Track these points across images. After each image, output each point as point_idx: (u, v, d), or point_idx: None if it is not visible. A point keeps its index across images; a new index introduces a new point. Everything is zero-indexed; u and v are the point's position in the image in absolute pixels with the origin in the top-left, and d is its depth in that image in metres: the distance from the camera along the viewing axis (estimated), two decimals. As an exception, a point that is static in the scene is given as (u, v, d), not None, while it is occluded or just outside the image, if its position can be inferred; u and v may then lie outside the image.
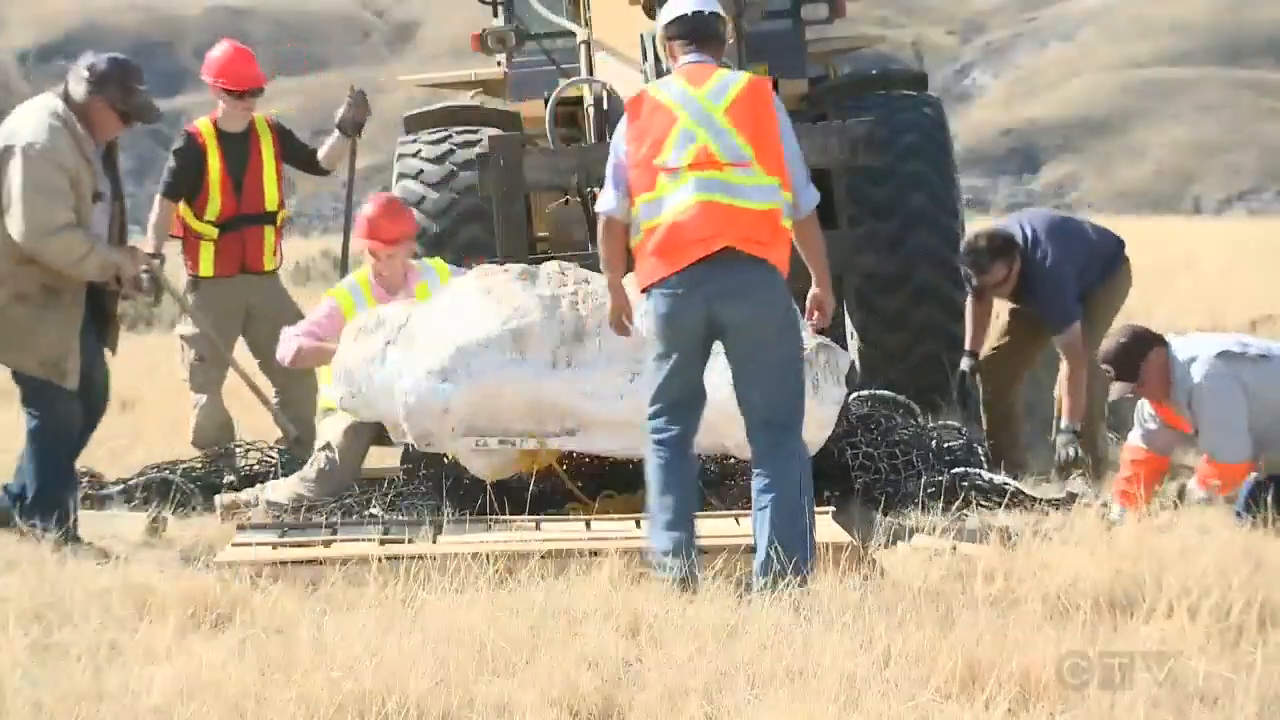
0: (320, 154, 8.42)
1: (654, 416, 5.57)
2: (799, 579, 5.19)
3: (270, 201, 8.35)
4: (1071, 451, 7.32)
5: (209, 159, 8.20)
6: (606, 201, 5.68)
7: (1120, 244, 7.89)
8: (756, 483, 5.46)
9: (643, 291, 5.62)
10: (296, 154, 8.44)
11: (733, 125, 5.50)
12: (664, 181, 5.51)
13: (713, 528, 6.16)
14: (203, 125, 8.31)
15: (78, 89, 6.51)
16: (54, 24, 60.63)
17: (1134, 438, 6.65)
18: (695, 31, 5.71)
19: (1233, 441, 6.21)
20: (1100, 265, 7.75)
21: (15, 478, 6.63)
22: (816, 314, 5.75)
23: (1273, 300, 13.25)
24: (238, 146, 8.24)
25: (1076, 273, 7.59)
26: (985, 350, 7.86)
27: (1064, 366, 7.50)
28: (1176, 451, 6.78)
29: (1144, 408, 6.61)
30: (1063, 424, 7.44)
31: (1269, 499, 6.28)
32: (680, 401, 5.56)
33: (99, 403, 6.83)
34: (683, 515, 5.45)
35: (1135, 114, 55.48)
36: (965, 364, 7.76)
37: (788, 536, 5.30)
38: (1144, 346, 6.41)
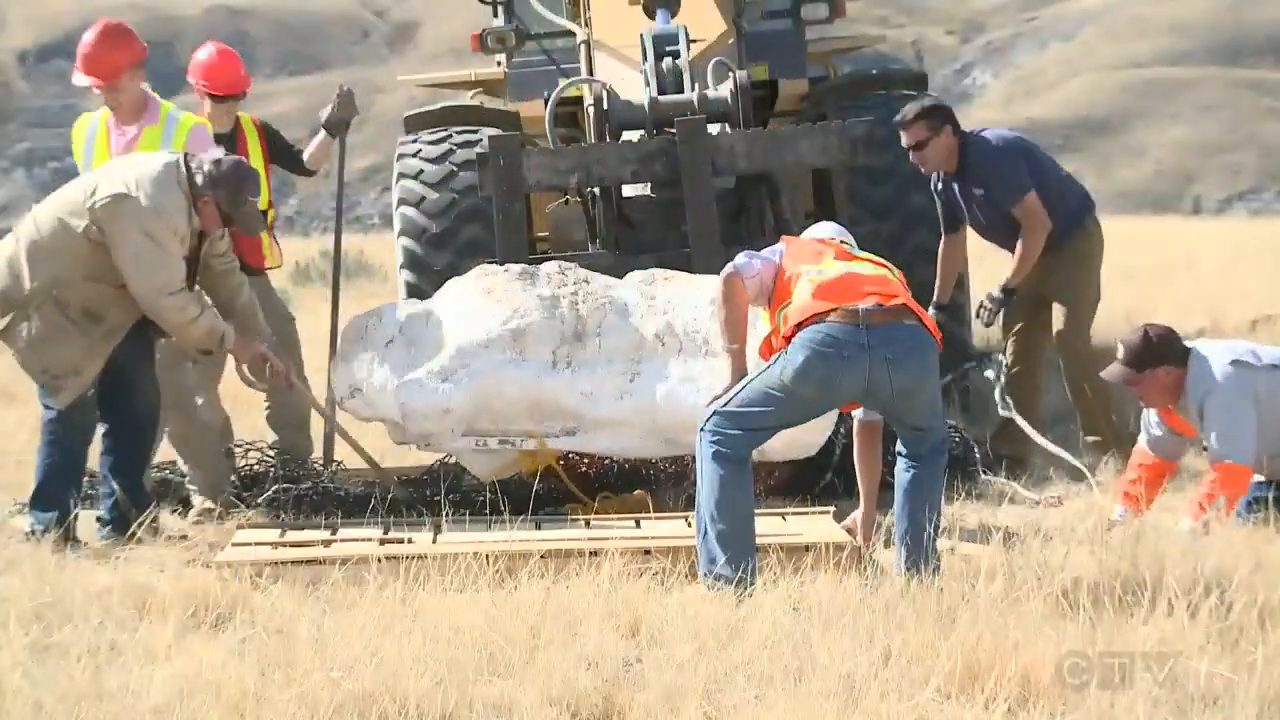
0: (305, 154, 8.39)
1: (727, 427, 5.41)
2: (935, 565, 5.36)
3: (260, 201, 8.31)
4: (998, 303, 7.64)
5: None
6: (739, 258, 5.62)
7: (1087, 198, 7.90)
8: (907, 473, 5.48)
9: (799, 326, 5.39)
10: (282, 154, 8.39)
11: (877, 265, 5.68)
12: (833, 258, 5.57)
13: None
14: None
15: (197, 176, 6.60)
16: (54, 24, 60.58)
17: (1141, 442, 6.66)
18: None
19: (1242, 445, 6.21)
20: (1062, 203, 7.66)
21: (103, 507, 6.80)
22: None
23: (1273, 300, 13.24)
24: (223, 148, 8.21)
25: (1029, 168, 7.63)
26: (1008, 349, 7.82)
27: (1024, 235, 7.58)
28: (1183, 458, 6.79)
29: (1150, 414, 6.60)
30: (1003, 282, 7.63)
31: (1269, 499, 6.30)
32: (766, 432, 5.52)
33: (145, 415, 6.86)
34: (743, 530, 5.37)
35: (1135, 114, 55.47)
36: (931, 313, 7.53)
37: (935, 519, 5.44)
38: (1163, 356, 6.39)
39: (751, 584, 5.25)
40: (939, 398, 5.59)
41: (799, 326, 5.37)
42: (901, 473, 5.51)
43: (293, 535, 6.29)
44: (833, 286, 5.42)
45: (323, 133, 8.17)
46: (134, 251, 6.46)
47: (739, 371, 5.56)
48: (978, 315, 7.83)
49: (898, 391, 5.38)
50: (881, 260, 5.73)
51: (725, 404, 5.45)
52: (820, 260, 5.58)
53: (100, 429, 6.79)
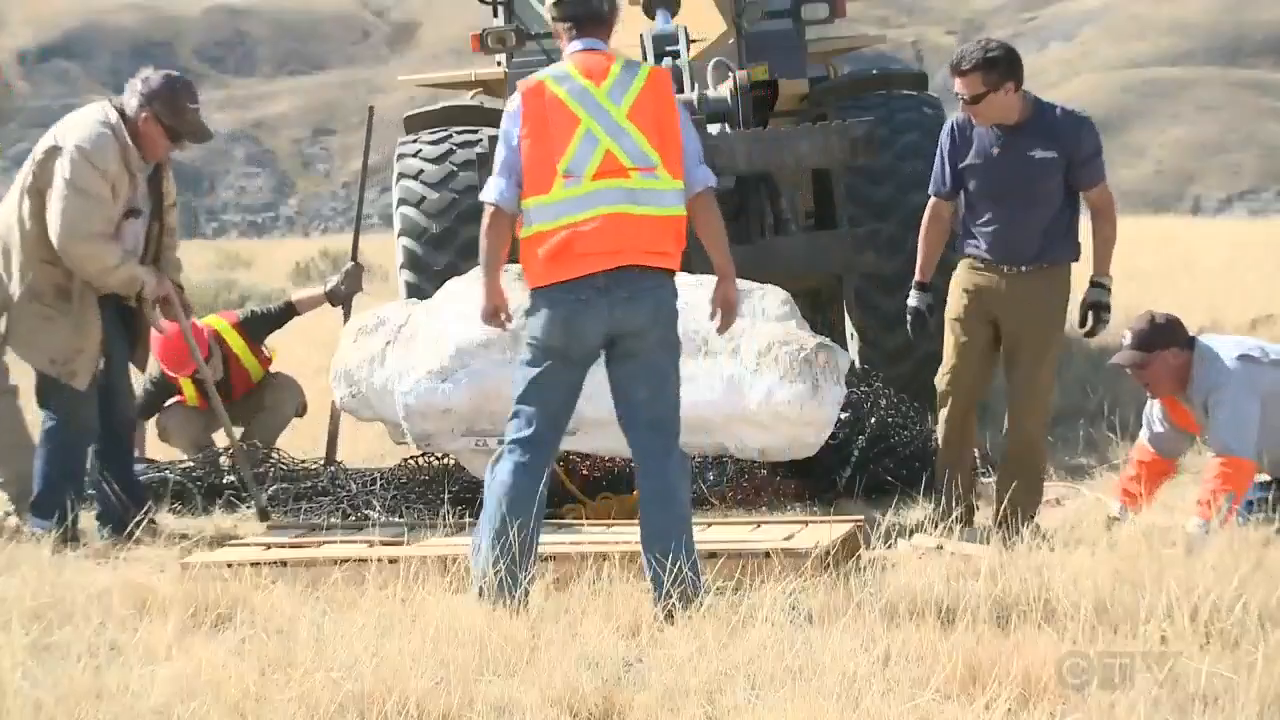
0: (295, 296, 8.44)
1: (519, 428, 5.30)
2: (693, 583, 5.12)
3: (255, 377, 8.30)
4: (1103, 307, 6.42)
5: (183, 388, 8.20)
6: (494, 192, 5.35)
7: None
8: (647, 485, 5.30)
9: (532, 291, 5.32)
10: (258, 331, 8.32)
11: (636, 128, 5.29)
12: (563, 186, 5.24)
13: (722, 534, 6.18)
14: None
15: (130, 102, 6.59)
16: (54, 24, 60.58)
17: (1142, 439, 6.65)
18: (581, 15, 5.40)
19: (1245, 439, 6.21)
20: (1077, 220, 6.61)
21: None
22: (721, 315, 5.46)
23: (1273, 300, 13.24)
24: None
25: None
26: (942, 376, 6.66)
27: (1098, 221, 6.58)
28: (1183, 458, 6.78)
29: (1153, 409, 6.60)
30: (1095, 278, 6.47)
31: (1270, 499, 6.30)
32: (557, 412, 5.35)
33: (125, 415, 6.86)
34: (527, 536, 5.19)
35: (1135, 114, 55.45)
36: (916, 299, 6.67)
37: (684, 536, 5.24)
38: (1170, 339, 6.38)
39: (526, 595, 5.12)
40: (678, 380, 5.39)
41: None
42: (641, 484, 5.33)
43: (291, 536, 6.30)
44: (563, 252, 5.22)
45: (322, 293, 8.15)
46: (56, 199, 6.45)
47: (495, 303, 5.41)
48: (1091, 330, 6.51)
49: (640, 327, 5.24)
50: (621, 163, 5.26)
51: (512, 412, 5.34)
52: (550, 180, 5.25)
53: None
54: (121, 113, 6.60)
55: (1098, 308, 6.43)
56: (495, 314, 5.44)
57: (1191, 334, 6.47)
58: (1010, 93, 6.37)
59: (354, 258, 8.17)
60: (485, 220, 5.41)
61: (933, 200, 6.69)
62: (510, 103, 5.38)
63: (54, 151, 6.51)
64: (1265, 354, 6.39)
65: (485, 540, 5.21)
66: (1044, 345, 6.47)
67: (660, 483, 5.28)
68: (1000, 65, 6.34)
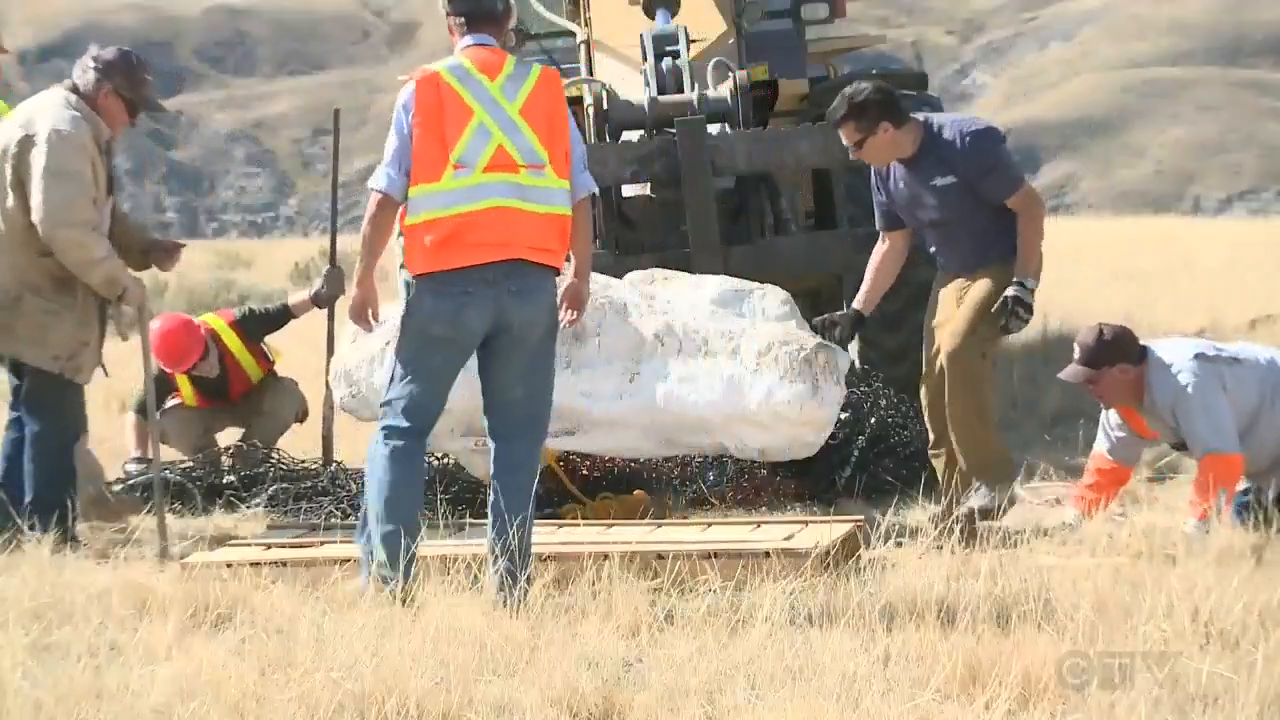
0: (292, 300, 8.45)
1: (395, 415, 5.35)
2: (525, 587, 5.23)
3: (254, 378, 8.32)
4: (1022, 304, 6.30)
5: (180, 386, 8.24)
6: (385, 180, 5.31)
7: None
8: (504, 476, 5.37)
9: (416, 277, 5.31)
10: (256, 330, 8.33)
11: (528, 125, 5.34)
12: (453, 176, 5.27)
13: (722, 534, 6.18)
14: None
15: (85, 78, 6.52)
16: (54, 24, 60.64)
17: (1099, 447, 6.59)
18: (474, 11, 5.45)
19: (1226, 435, 6.19)
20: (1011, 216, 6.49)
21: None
22: (568, 308, 5.54)
23: (1273, 300, 13.24)
24: (210, 380, 8.25)
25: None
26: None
27: (1019, 223, 6.43)
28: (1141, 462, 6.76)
29: (1110, 417, 6.55)
30: (1018, 278, 6.35)
31: (1270, 499, 6.29)
32: (431, 404, 5.40)
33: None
34: (411, 525, 5.27)
35: (1135, 114, 55.49)
36: (841, 312, 6.71)
37: (531, 518, 5.37)
38: (1119, 354, 6.32)
39: (409, 582, 5.15)
40: (553, 368, 5.49)
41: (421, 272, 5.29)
42: (503, 462, 5.40)
43: (291, 536, 6.29)
44: (452, 240, 5.25)
45: (308, 297, 8.15)
46: (37, 188, 6.37)
47: (365, 295, 5.41)
48: (1005, 327, 6.38)
49: (524, 323, 5.32)
50: (512, 159, 5.32)
51: (386, 398, 5.39)
52: (441, 169, 5.27)
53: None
54: (77, 92, 6.55)
55: (1017, 303, 6.31)
56: (364, 308, 5.44)
57: (1143, 345, 6.40)
58: (889, 132, 6.40)
59: (333, 262, 8.16)
60: (371, 208, 5.39)
61: (881, 237, 6.75)
62: (403, 92, 5.38)
63: (28, 141, 6.41)
64: (1219, 352, 6.37)
65: (374, 529, 5.28)
66: (968, 324, 6.40)
67: (521, 477, 5.38)
68: (870, 110, 6.39)
